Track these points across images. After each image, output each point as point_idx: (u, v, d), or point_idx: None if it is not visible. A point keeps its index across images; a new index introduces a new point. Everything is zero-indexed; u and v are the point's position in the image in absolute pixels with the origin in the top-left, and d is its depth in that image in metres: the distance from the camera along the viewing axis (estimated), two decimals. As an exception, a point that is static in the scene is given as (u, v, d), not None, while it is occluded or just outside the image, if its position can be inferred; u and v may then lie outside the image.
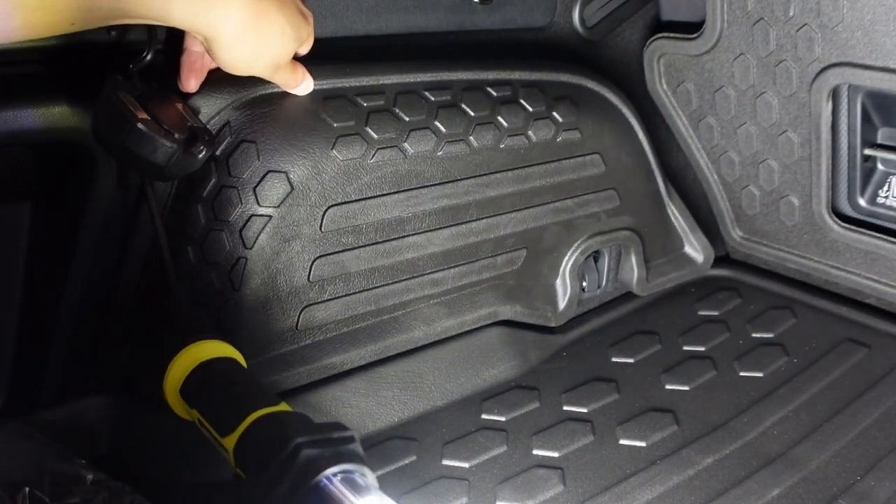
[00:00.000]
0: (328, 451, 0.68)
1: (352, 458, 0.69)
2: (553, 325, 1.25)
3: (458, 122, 1.04)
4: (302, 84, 0.94)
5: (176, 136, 0.81)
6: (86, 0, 0.66)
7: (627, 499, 0.93)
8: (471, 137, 1.05)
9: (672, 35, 1.30)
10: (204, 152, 0.84)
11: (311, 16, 0.90)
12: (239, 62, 0.83)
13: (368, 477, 0.69)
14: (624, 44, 1.37)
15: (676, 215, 1.39)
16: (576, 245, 1.24)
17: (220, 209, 0.91)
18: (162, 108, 0.82)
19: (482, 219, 1.10)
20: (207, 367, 0.80)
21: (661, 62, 1.34)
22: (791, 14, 1.14)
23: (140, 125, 0.78)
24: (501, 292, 1.19)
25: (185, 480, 0.91)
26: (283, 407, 0.75)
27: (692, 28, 1.28)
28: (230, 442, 0.72)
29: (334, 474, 0.67)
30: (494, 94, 1.09)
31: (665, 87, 1.36)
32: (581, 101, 1.18)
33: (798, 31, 1.14)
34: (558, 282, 1.25)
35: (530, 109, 1.12)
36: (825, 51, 1.13)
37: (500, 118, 1.08)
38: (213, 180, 0.91)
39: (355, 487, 0.67)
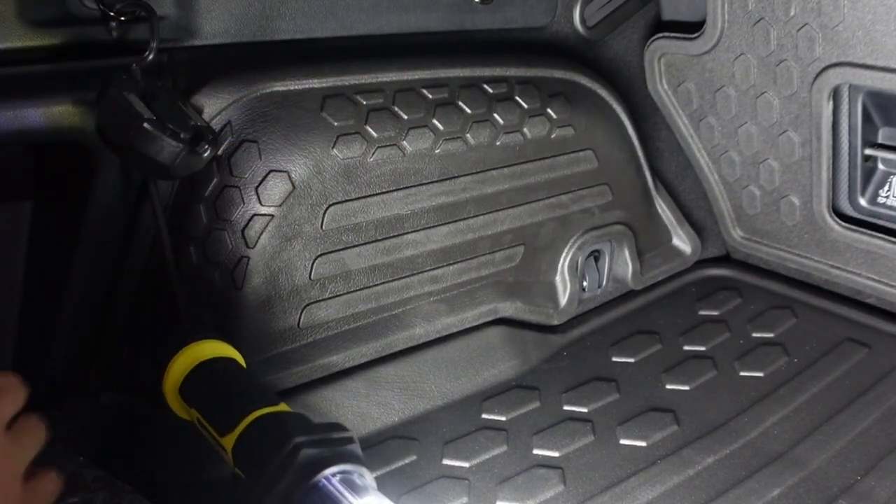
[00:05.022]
0: (327, 452, 0.68)
1: (351, 458, 0.69)
2: (555, 322, 1.25)
3: (455, 120, 1.04)
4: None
5: (181, 135, 0.81)
6: None
7: (627, 498, 0.93)
8: (468, 135, 1.06)
9: (673, 35, 1.30)
10: (209, 151, 0.84)
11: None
12: None
13: (367, 477, 0.69)
14: (625, 43, 1.36)
15: (664, 208, 1.40)
16: (572, 241, 1.24)
17: (223, 209, 0.91)
18: (166, 107, 0.82)
19: (479, 215, 1.11)
20: (207, 367, 0.80)
21: (662, 62, 1.34)
22: (792, 14, 1.14)
23: (146, 125, 0.78)
24: (501, 289, 1.19)
25: (184, 479, 0.91)
26: (283, 407, 0.75)
27: (693, 28, 1.27)
28: (229, 441, 0.72)
29: (333, 474, 0.67)
30: (491, 91, 1.09)
31: (665, 86, 1.36)
32: (574, 98, 1.19)
33: (799, 30, 1.14)
34: (557, 279, 1.25)
35: (525, 107, 1.12)
36: (826, 50, 1.13)
37: (496, 115, 1.08)
38: (216, 180, 0.91)
39: (354, 488, 0.67)
